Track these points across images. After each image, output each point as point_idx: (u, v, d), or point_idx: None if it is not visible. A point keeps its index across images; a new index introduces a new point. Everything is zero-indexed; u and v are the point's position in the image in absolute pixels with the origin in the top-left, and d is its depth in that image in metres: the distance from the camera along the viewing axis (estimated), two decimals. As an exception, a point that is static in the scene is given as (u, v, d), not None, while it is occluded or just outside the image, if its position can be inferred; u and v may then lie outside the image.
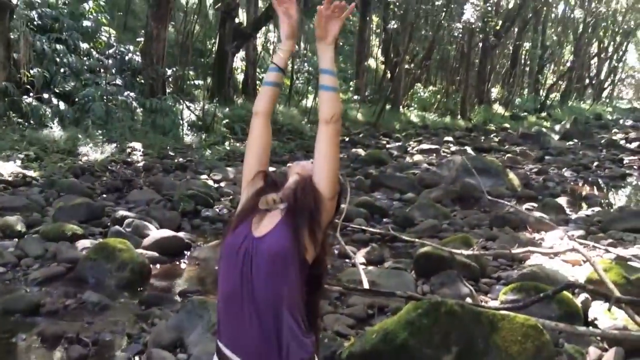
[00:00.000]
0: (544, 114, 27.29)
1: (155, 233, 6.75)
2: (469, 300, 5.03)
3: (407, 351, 3.70)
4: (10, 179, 8.84)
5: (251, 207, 1.90)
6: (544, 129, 21.29)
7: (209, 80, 18.26)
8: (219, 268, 1.90)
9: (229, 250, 1.84)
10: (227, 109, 16.69)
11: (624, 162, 15.86)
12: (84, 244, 6.26)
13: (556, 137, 20.24)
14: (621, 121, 27.46)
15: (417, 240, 6.85)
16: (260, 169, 2.01)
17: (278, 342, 1.78)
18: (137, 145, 12.44)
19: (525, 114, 26.69)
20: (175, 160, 12.06)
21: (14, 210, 7.25)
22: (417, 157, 14.93)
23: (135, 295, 5.27)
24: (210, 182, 10.40)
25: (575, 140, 19.24)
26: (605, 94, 42.69)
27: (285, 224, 1.81)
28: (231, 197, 9.38)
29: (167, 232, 6.75)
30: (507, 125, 23.40)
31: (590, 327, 4.54)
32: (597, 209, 9.75)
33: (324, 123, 1.89)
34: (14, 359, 4.02)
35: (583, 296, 5.00)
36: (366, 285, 5.10)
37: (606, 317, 4.64)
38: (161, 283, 5.75)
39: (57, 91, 13.38)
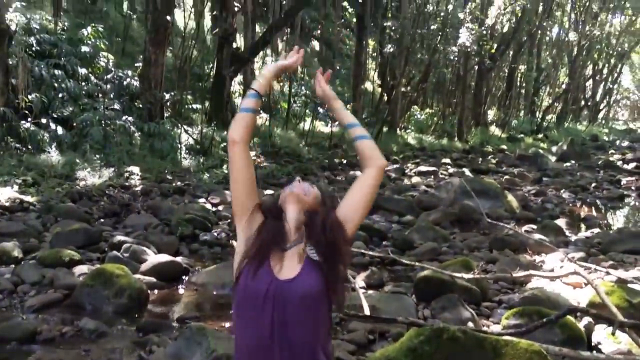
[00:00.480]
0: (540, 136, 27.42)
1: (153, 258, 6.70)
2: (470, 324, 4.98)
3: None
4: (7, 204, 8.79)
5: (266, 247, 1.81)
6: (541, 151, 21.35)
7: (206, 104, 18.33)
8: (238, 316, 1.81)
9: (251, 297, 1.75)
10: (225, 133, 16.72)
11: (622, 183, 15.87)
12: (81, 269, 6.21)
13: (553, 158, 20.29)
14: (617, 142, 27.59)
15: (416, 263, 6.81)
16: (252, 201, 1.94)
17: None
18: (135, 169, 12.42)
19: (522, 135, 26.81)
20: (173, 184, 12.03)
21: (10, 236, 7.20)
22: (415, 179, 14.93)
23: (133, 322, 5.20)
24: (208, 206, 10.36)
25: (573, 162, 19.26)
26: (601, 115, 42.99)
27: (313, 264, 1.77)
28: (229, 220, 9.34)
29: (165, 257, 6.70)
30: (504, 146, 23.48)
31: (594, 352, 4.49)
32: (596, 230, 9.73)
33: (378, 168, 1.99)
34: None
35: (586, 320, 4.95)
36: (367, 310, 5.05)
37: (610, 341, 4.59)
38: (159, 309, 5.69)
39: (55, 116, 13.38)
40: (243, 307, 1.77)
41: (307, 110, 21.53)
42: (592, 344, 4.73)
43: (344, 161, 17.44)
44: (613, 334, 4.46)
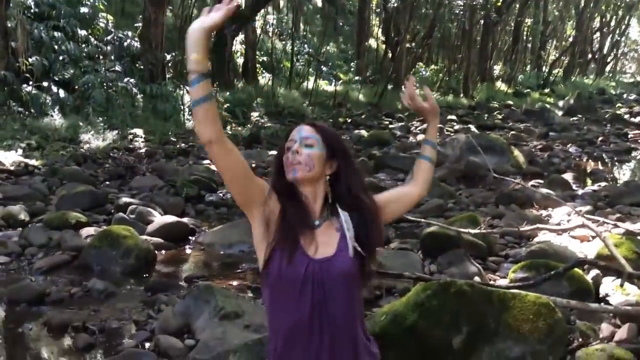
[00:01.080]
0: (547, 90, 27.07)
1: (159, 219, 6.70)
2: (477, 279, 4.98)
3: (417, 333, 3.65)
4: (12, 168, 8.79)
5: (294, 230, 1.71)
6: (547, 105, 21.10)
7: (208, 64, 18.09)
8: (273, 301, 1.75)
9: (289, 282, 1.68)
10: (228, 93, 16.57)
11: (629, 136, 15.73)
12: (88, 231, 6.22)
13: (560, 113, 20.05)
14: (625, 95, 27.24)
15: (422, 220, 6.78)
16: (255, 188, 1.75)
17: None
18: (139, 131, 12.36)
19: (528, 90, 26.46)
20: (177, 146, 11.99)
21: (17, 200, 7.22)
22: (421, 137, 14.80)
23: (141, 282, 5.23)
24: (213, 167, 10.33)
25: (579, 116, 19.06)
26: (608, 68, 42.34)
27: (345, 239, 1.72)
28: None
29: (171, 218, 6.70)
30: (510, 102, 23.21)
31: (602, 304, 4.48)
32: (603, 184, 9.67)
33: (421, 192, 1.98)
34: (21, 349, 3.99)
35: (594, 273, 4.94)
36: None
37: (618, 293, 4.58)
38: (167, 269, 5.71)
39: (57, 79, 13.28)
40: (279, 292, 1.72)
41: (310, 69, 21.27)
42: (600, 296, 4.72)
43: (348, 120, 17.30)
44: (621, 285, 4.44)
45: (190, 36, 1.57)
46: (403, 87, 2.00)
